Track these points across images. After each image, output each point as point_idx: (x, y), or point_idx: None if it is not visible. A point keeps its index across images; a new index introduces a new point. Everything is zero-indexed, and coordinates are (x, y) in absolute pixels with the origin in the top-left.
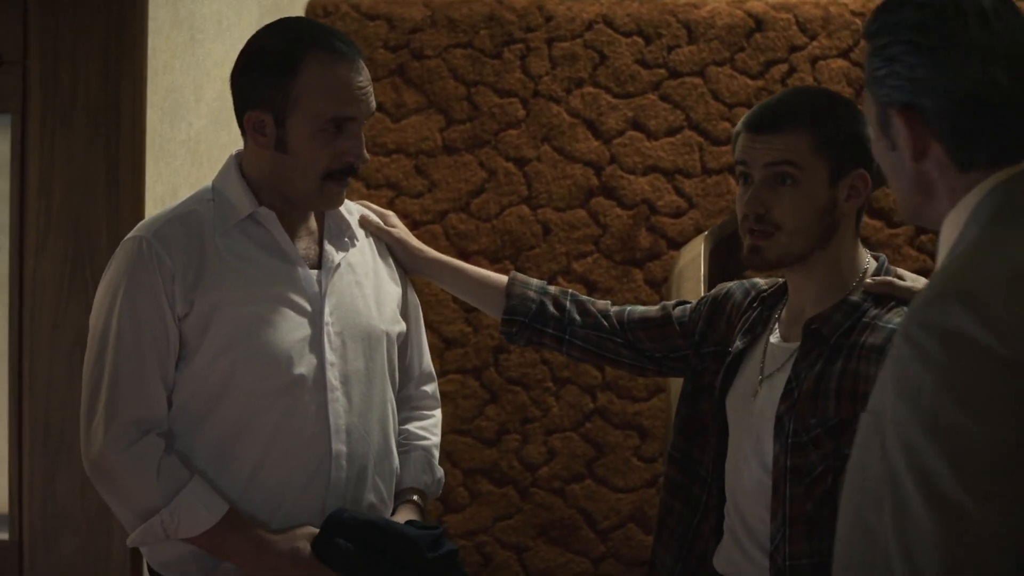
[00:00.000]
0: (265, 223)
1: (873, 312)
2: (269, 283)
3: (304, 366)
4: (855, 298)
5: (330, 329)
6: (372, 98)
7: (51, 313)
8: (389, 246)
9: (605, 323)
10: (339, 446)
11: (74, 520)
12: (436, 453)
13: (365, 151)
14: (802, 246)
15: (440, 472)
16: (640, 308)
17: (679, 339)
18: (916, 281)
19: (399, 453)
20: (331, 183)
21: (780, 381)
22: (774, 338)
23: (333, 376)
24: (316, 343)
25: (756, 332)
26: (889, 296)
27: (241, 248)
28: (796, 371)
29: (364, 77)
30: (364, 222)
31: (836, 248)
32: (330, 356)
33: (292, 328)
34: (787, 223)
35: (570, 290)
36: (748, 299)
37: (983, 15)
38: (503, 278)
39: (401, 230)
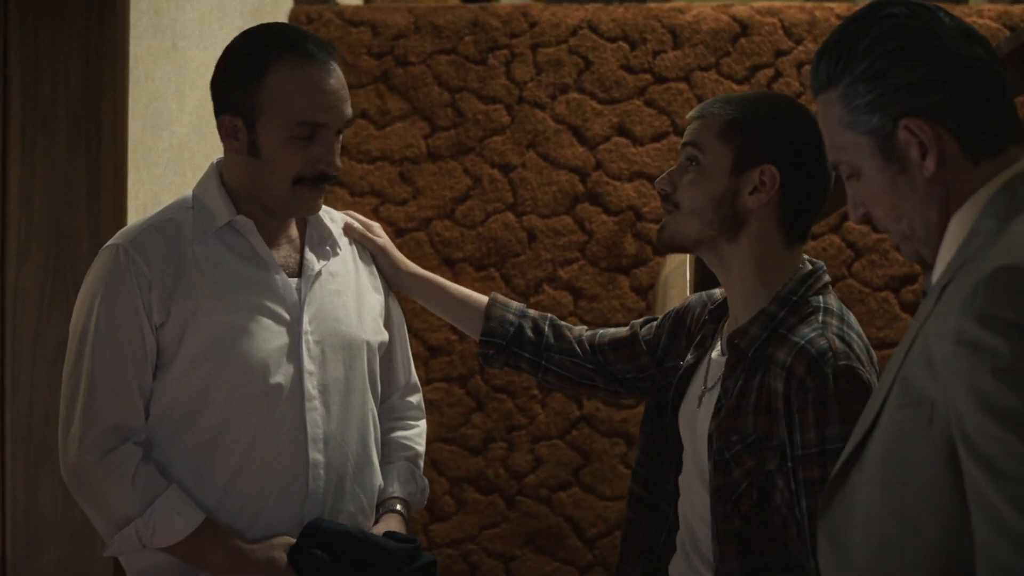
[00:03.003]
0: (243, 231)
1: (789, 322)
2: (246, 291)
3: (281, 375)
4: (772, 308)
5: (309, 338)
6: (346, 104)
7: (33, 322)
8: (373, 255)
9: (579, 349)
10: (316, 455)
11: (57, 531)
12: (420, 463)
13: (338, 160)
14: (696, 230)
15: (424, 482)
16: (611, 330)
17: (645, 357)
18: None
19: (383, 463)
20: (303, 188)
21: (714, 397)
22: (715, 353)
23: (311, 385)
24: (294, 352)
25: (705, 345)
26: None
27: (219, 257)
28: (725, 387)
29: (336, 80)
30: (348, 229)
31: (751, 247)
32: (308, 365)
33: (269, 337)
34: (684, 203)
35: (549, 315)
36: (705, 310)
37: (939, 11)
38: (483, 298)
39: (385, 240)
